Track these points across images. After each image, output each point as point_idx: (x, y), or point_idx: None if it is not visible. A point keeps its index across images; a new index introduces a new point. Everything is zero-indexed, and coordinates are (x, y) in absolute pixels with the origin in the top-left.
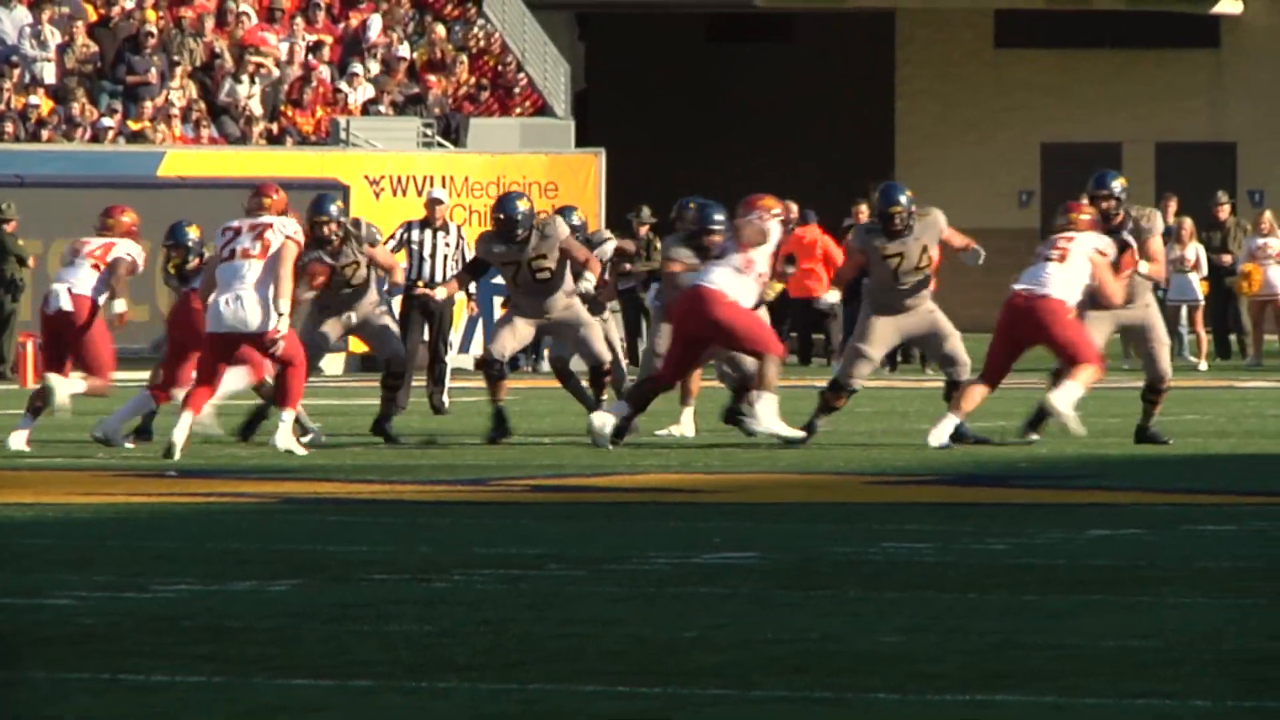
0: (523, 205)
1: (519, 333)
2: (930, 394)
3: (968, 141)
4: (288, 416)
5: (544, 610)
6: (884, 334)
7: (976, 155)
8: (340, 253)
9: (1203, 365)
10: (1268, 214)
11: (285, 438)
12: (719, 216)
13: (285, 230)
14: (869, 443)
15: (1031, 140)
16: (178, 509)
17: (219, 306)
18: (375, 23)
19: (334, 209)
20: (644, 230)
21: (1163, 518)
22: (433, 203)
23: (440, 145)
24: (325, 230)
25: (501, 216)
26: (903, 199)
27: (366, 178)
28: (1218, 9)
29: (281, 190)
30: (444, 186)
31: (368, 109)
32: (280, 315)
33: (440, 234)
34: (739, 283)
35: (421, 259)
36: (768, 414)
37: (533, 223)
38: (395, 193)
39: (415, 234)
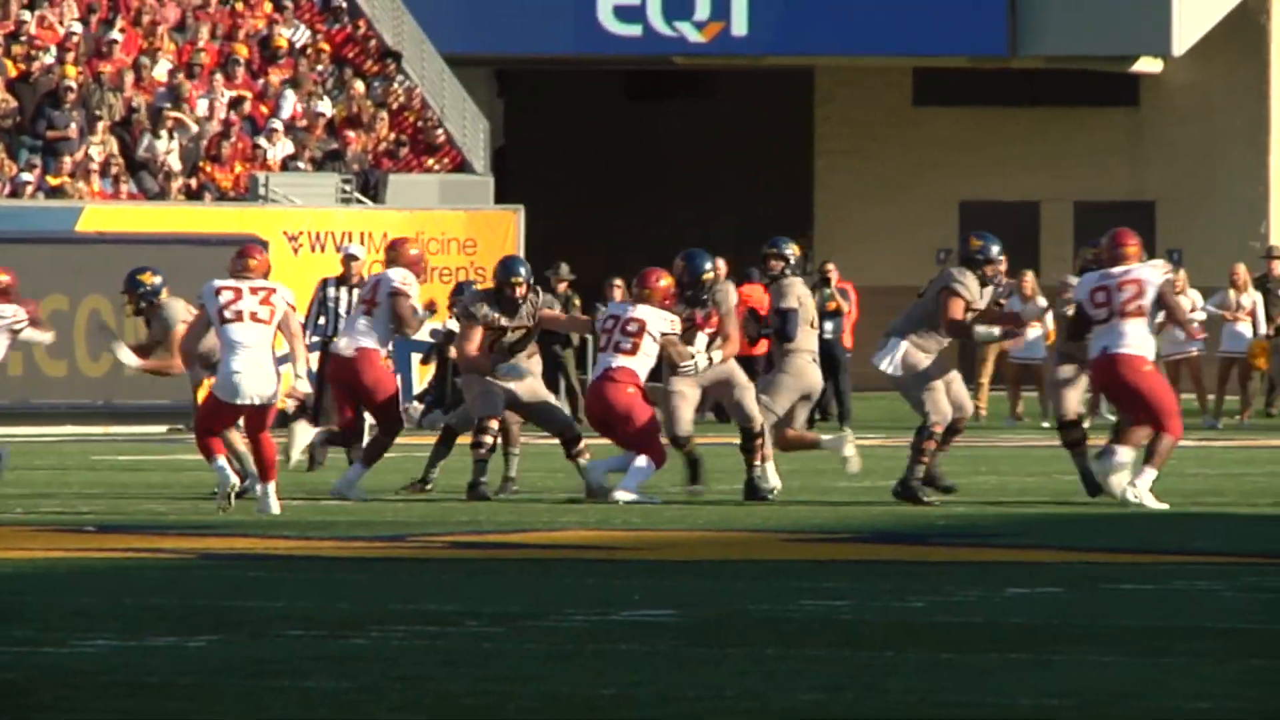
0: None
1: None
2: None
3: (886, 199)
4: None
5: (461, 667)
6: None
7: (895, 213)
8: (517, 314)
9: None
10: (1182, 273)
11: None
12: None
13: (287, 298)
14: (786, 500)
15: (950, 198)
16: (96, 564)
17: (232, 376)
18: (296, 80)
19: (524, 270)
20: (562, 287)
21: (1081, 576)
22: (349, 259)
23: (359, 201)
24: (517, 292)
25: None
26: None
27: (285, 234)
28: (1137, 67)
29: (265, 252)
30: (362, 243)
31: (287, 165)
32: (299, 377)
33: (356, 290)
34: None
35: (337, 315)
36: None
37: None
38: (313, 249)
39: (331, 291)
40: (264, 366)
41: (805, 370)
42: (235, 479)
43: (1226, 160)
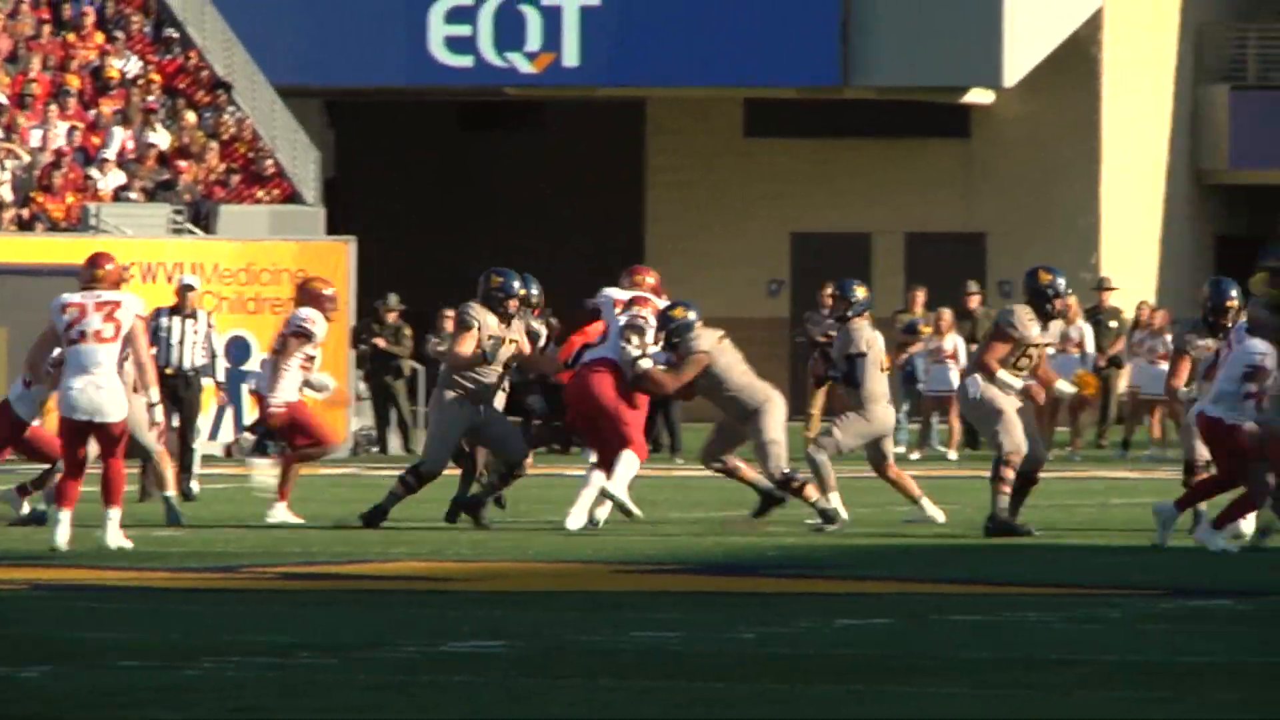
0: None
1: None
2: (679, 481)
3: (718, 231)
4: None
5: (295, 698)
6: None
7: (727, 244)
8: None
9: (952, 455)
10: (1073, 299)
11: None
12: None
13: (134, 309)
14: (618, 531)
15: (782, 230)
16: None
17: (73, 392)
18: (127, 111)
19: (516, 284)
20: (392, 317)
21: (912, 607)
22: (184, 289)
23: (190, 232)
24: (511, 305)
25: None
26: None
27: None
28: (968, 99)
29: (115, 259)
30: (194, 273)
31: (118, 195)
32: (155, 405)
33: (189, 321)
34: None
35: (169, 345)
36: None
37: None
38: (145, 279)
39: (164, 320)
40: (105, 387)
41: (880, 416)
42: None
43: (1058, 191)
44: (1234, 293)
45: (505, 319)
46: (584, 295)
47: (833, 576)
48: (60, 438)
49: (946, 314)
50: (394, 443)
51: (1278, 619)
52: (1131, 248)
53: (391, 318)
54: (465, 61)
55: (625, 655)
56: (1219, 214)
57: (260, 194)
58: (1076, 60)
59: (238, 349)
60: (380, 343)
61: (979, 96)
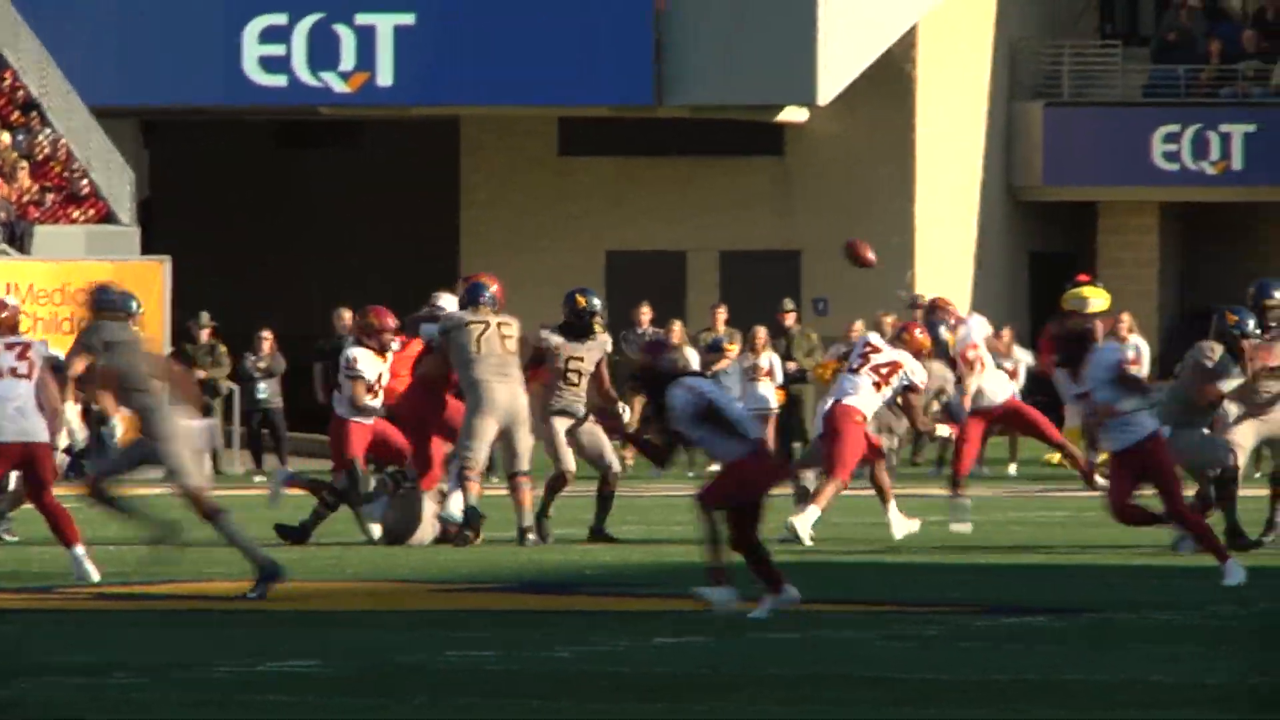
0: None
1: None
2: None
3: (532, 249)
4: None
5: (111, 717)
6: None
7: (541, 263)
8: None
9: None
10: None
11: None
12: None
13: (43, 352)
14: (434, 550)
15: (596, 248)
16: None
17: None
18: None
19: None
20: (205, 335)
21: (729, 625)
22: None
23: (4, 253)
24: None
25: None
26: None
27: None
28: (782, 117)
29: (10, 304)
30: (10, 293)
31: None
32: (73, 434)
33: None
34: None
35: None
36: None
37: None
38: None
39: None
40: (27, 415)
41: None
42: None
43: (872, 209)
44: (1277, 293)
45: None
46: (399, 313)
47: (650, 594)
48: None
49: (761, 332)
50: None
51: (1092, 636)
52: (946, 265)
53: (204, 335)
54: (280, 81)
55: (443, 674)
56: (1033, 230)
57: (76, 214)
58: (891, 78)
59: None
60: (201, 373)
61: (793, 114)
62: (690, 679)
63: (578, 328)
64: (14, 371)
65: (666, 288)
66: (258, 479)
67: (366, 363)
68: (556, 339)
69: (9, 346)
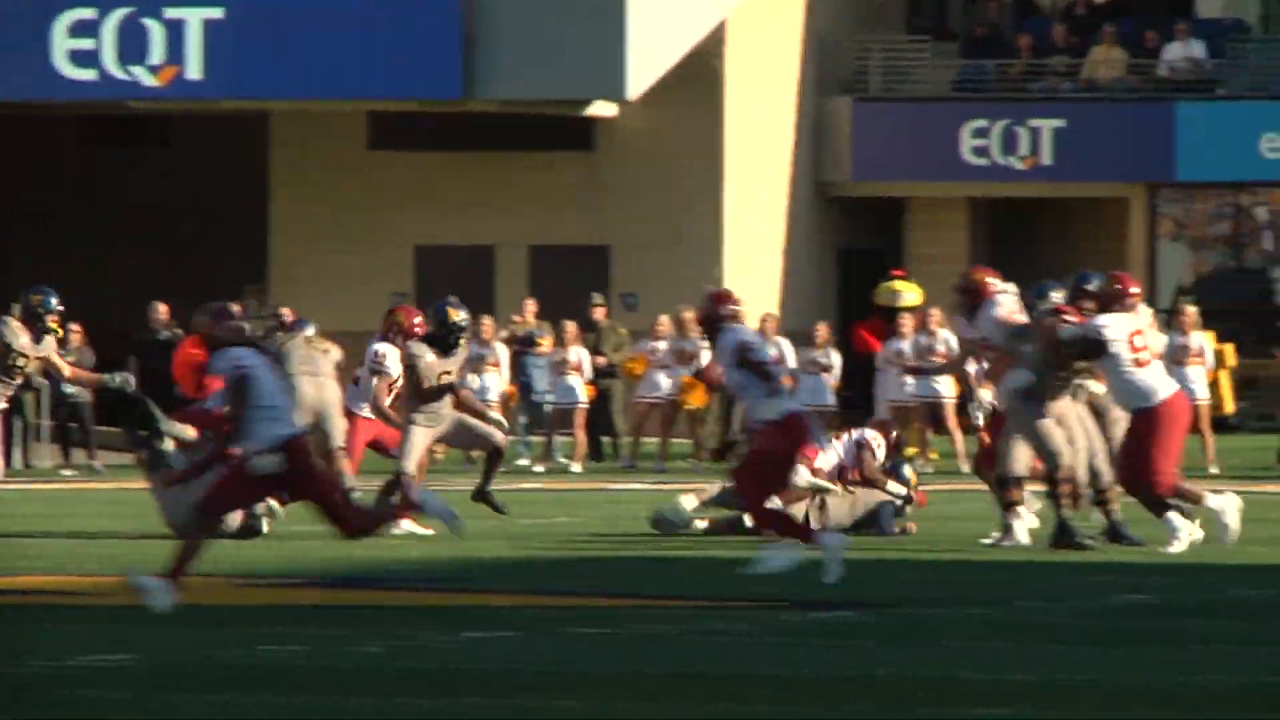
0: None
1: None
2: None
3: (342, 244)
4: None
5: None
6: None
7: (350, 258)
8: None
9: (576, 467)
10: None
11: None
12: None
13: None
14: (243, 545)
15: (405, 243)
16: None
17: None
18: None
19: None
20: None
21: (538, 620)
22: None
23: None
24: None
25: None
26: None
27: None
28: (591, 111)
29: None
30: None
31: None
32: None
33: None
34: None
35: None
36: None
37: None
38: None
39: None
40: None
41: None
42: None
43: (681, 204)
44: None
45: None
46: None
47: (459, 590)
48: None
49: (571, 326)
50: (16, 457)
51: (899, 631)
52: (754, 260)
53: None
54: (89, 75)
55: (251, 670)
56: (842, 226)
57: None
58: (699, 73)
59: None
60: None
61: (602, 109)
62: (499, 674)
63: (446, 342)
64: None
65: (475, 282)
66: (65, 472)
67: (393, 360)
68: (429, 357)
69: None
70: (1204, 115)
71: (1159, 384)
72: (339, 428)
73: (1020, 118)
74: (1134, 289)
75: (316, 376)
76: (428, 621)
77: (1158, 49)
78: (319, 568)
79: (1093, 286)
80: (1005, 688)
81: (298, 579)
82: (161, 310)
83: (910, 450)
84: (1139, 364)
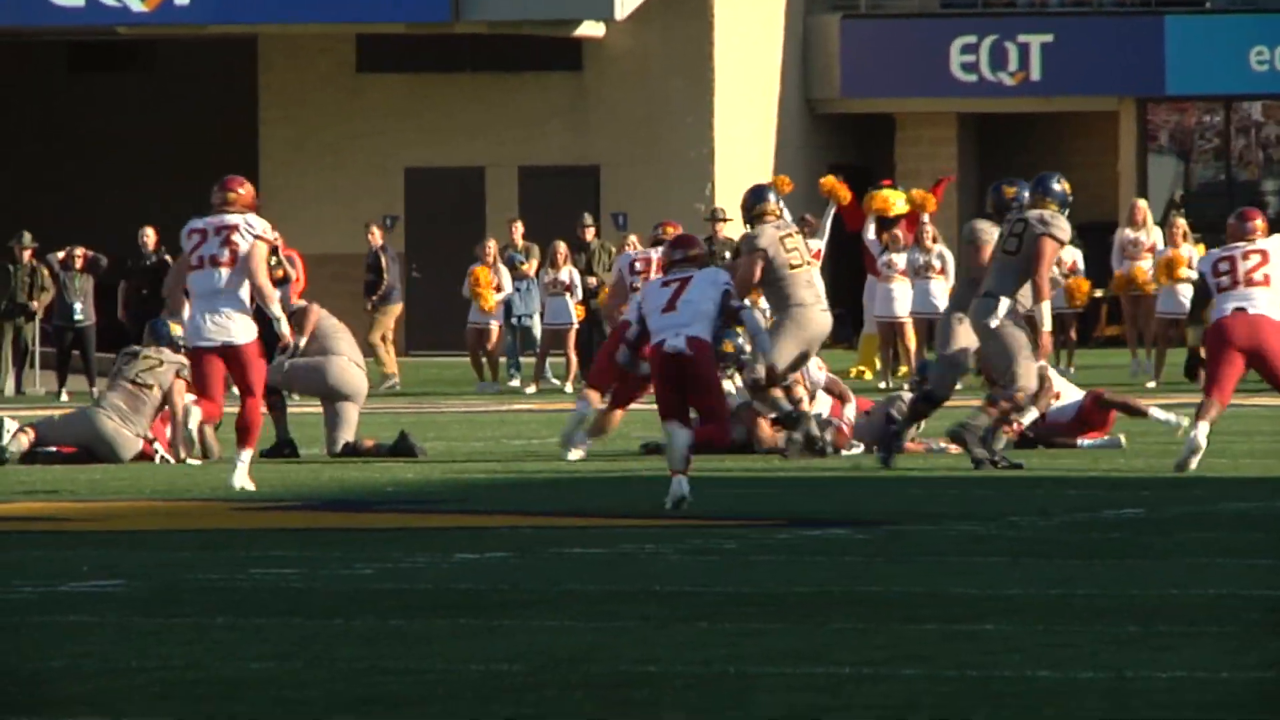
0: None
1: None
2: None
3: (331, 166)
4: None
5: None
6: None
7: (339, 180)
8: None
9: (568, 388)
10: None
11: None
12: None
13: (253, 230)
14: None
15: (394, 165)
16: None
17: (198, 320)
18: None
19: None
20: (27, 255)
21: (529, 541)
22: None
23: None
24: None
25: None
26: None
27: None
28: (579, 32)
29: (249, 184)
30: None
31: None
32: (277, 319)
33: None
34: None
35: None
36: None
37: None
38: None
39: None
40: (225, 310)
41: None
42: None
43: (671, 123)
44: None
45: None
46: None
47: (449, 511)
48: (191, 369)
49: (562, 247)
50: (9, 384)
51: (891, 548)
52: (745, 179)
53: (27, 256)
54: (77, 1)
55: (243, 593)
56: (831, 143)
57: None
58: None
59: None
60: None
61: (591, 29)
62: (491, 595)
63: None
64: (215, 260)
65: (465, 204)
66: (63, 398)
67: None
68: None
69: (218, 230)
70: (1193, 28)
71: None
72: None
73: (1009, 33)
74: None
75: None
76: (419, 543)
77: None
78: (309, 491)
79: (1057, 187)
80: (996, 602)
81: (288, 502)
82: (150, 235)
83: (902, 370)
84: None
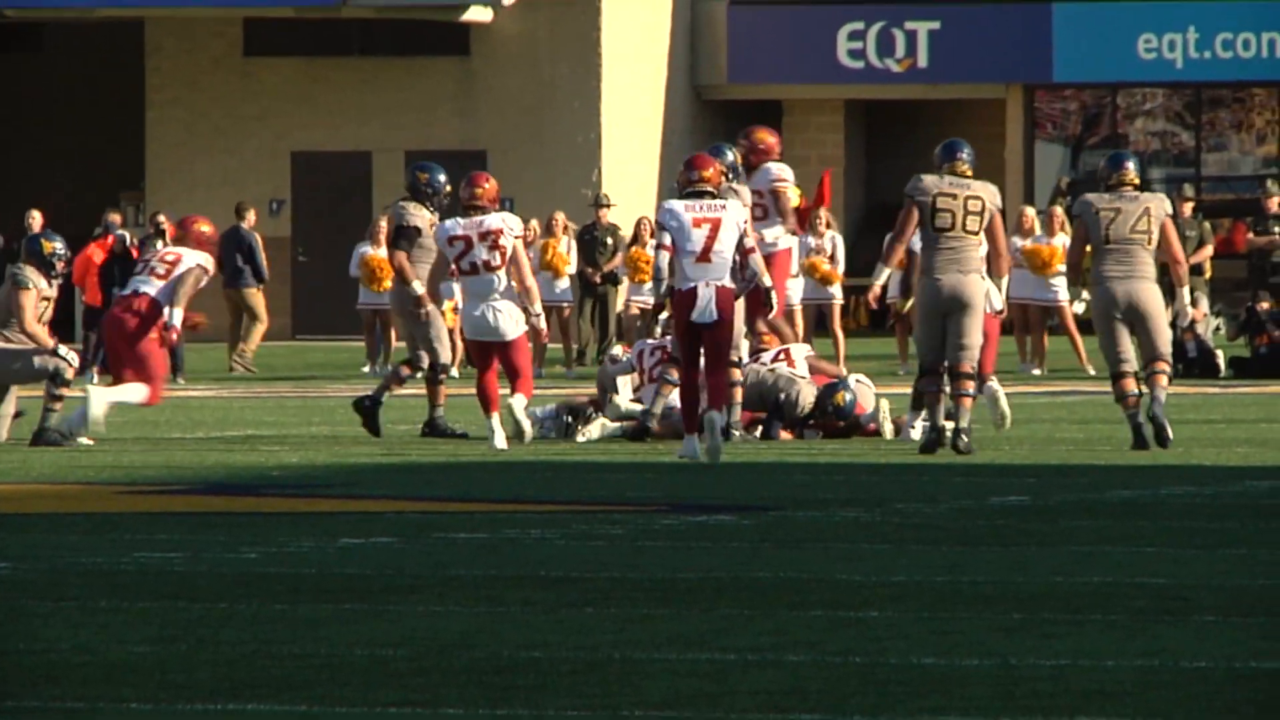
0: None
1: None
2: (179, 402)
3: (218, 150)
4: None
5: None
6: None
7: (226, 164)
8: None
9: (456, 373)
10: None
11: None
12: None
13: (515, 231)
14: (120, 450)
15: (281, 148)
16: None
17: (474, 316)
18: None
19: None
20: None
21: (414, 526)
22: None
23: None
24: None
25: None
26: None
27: None
28: (467, 17)
29: (493, 179)
30: None
31: None
32: (537, 316)
33: None
34: None
35: None
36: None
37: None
38: None
39: None
40: (502, 309)
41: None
42: None
43: (557, 109)
44: (1130, 164)
45: None
46: (86, 220)
47: (335, 495)
48: (470, 354)
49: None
50: None
51: (777, 533)
52: (631, 165)
53: None
54: None
55: (127, 576)
56: (718, 129)
57: None
58: None
59: None
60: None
61: (478, 14)
62: (375, 579)
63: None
64: (488, 265)
65: (352, 187)
66: None
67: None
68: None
69: (482, 237)
70: (1081, 16)
71: None
72: None
73: (896, 19)
74: None
75: None
76: (304, 527)
77: None
78: (196, 474)
79: (964, 155)
80: (884, 589)
81: (173, 486)
82: (36, 217)
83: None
84: None
